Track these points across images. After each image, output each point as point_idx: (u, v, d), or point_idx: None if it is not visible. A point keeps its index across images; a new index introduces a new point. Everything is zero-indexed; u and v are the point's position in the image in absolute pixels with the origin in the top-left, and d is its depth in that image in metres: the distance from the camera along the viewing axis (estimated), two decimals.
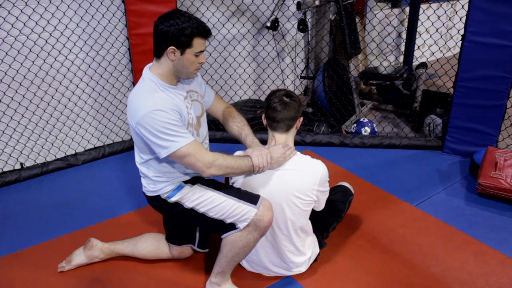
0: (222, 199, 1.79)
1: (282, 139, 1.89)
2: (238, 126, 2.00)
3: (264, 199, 1.79)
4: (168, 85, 1.75)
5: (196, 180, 1.87)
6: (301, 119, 1.94)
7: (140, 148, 1.81)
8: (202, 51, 1.72)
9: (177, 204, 1.85)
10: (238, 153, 1.90)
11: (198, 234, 2.05)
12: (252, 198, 1.78)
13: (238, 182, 1.92)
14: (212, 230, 1.96)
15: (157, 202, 1.90)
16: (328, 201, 2.01)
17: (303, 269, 2.00)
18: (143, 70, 1.80)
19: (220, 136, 3.38)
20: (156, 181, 1.84)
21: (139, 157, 1.85)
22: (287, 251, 1.93)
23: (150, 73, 1.75)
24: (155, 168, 1.82)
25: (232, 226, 1.78)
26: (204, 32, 1.69)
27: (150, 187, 1.87)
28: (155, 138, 1.65)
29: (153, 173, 1.83)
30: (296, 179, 1.84)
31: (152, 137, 1.66)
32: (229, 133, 2.04)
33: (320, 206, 1.97)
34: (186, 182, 1.86)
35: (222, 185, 1.89)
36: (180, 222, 2.01)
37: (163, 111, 1.64)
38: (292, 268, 1.98)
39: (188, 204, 1.83)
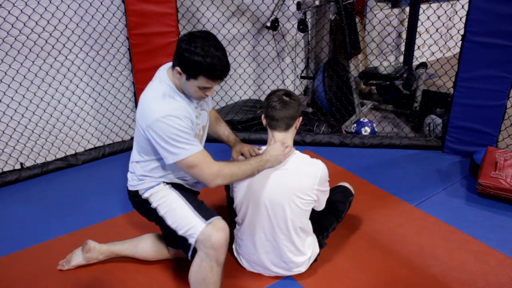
0: (179, 205, 1.76)
1: (281, 138, 1.89)
2: (220, 125, 2.11)
3: (219, 220, 1.71)
4: (181, 93, 1.73)
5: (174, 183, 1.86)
6: (301, 119, 1.94)
7: (142, 148, 1.80)
8: (208, 88, 1.67)
9: (148, 202, 1.84)
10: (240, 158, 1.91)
11: None
12: (207, 214, 1.72)
13: (239, 181, 1.92)
14: (174, 241, 1.87)
15: (134, 198, 1.90)
16: (328, 201, 2.02)
17: (303, 269, 2.01)
18: (160, 68, 1.79)
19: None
20: (140, 178, 1.85)
21: (139, 156, 1.84)
22: (287, 251, 1.93)
23: (167, 77, 1.72)
24: (151, 168, 1.82)
25: (187, 243, 1.72)
26: (214, 76, 1.62)
27: (133, 182, 1.88)
28: (165, 143, 1.64)
29: (144, 172, 1.83)
30: (296, 179, 1.84)
31: (162, 142, 1.64)
32: (209, 133, 2.06)
33: (321, 206, 1.98)
34: (165, 182, 1.86)
35: (190, 192, 1.85)
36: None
37: (177, 118, 1.63)
38: (292, 268, 1.98)
39: (154, 204, 1.82)
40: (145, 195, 1.84)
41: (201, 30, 1.65)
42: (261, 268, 2.01)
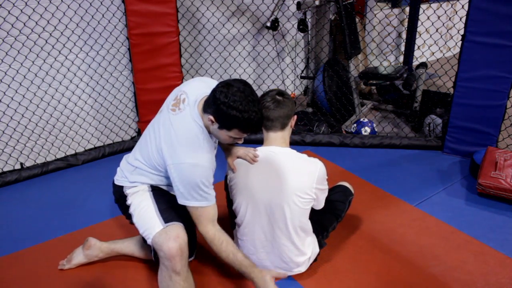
0: (146, 204, 1.77)
1: (278, 138, 1.90)
2: None
3: (174, 228, 1.69)
4: (208, 134, 1.73)
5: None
6: (295, 117, 1.94)
7: (151, 162, 1.78)
8: (240, 138, 1.69)
9: (125, 199, 1.86)
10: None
11: None
12: (168, 217, 1.73)
13: (238, 183, 1.92)
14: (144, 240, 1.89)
15: (116, 193, 1.91)
16: (328, 201, 2.02)
17: (302, 269, 2.00)
18: (189, 90, 1.75)
19: None
20: (130, 180, 1.85)
21: (141, 164, 1.82)
22: (287, 251, 1.93)
23: (199, 117, 1.69)
24: (146, 178, 1.82)
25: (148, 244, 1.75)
26: (248, 130, 1.64)
27: (121, 179, 1.88)
28: (182, 187, 1.67)
29: (137, 179, 1.83)
30: (294, 178, 1.84)
31: (180, 184, 1.67)
32: None
33: (320, 205, 1.98)
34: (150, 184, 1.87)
35: (168, 196, 1.84)
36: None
37: (204, 169, 1.67)
38: (293, 268, 1.98)
39: (128, 201, 1.84)
40: (126, 192, 1.86)
41: (237, 80, 1.62)
42: (261, 268, 2.01)
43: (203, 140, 1.69)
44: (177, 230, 1.68)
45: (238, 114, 1.56)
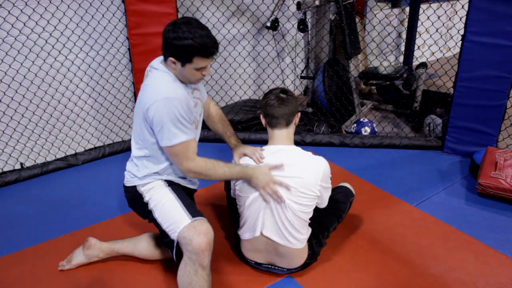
0: (169, 199, 1.78)
1: (283, 135, 1.91)
2: (224, 125, 2.11)
3: (202, 222, 1.69)
4: (179, 81, 1.77)
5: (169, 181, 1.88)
6: (299, 114, 1.96)
7: (141, 140, 1.81)
8: (204, 67, 1.72)
9: (141, 197, 1.86)
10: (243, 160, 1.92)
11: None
12: (194, 212, 1.74)
13: (243, 181, 1.92)
14: (161, 236, 1.90)
15: (130, 193, 1.91)
16: (330, 201, 2.02)
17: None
18: (153, 62, 1.83)
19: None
20: (139, 176, 1.86)
21: (139, 151, 1.84)
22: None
23: (164, 67, 1.76)
24: (150, 163, 1.83)
25: (169, 239, 1.75)
26: (206, 53, 1.68)
27: (131, 179, 1.88)
28: (162, 125, 1.68)
29: (142, 169, 1.84)
30: (299, 175, 1.85)
31: (159, 123, 1.68)
32: (212, 130, 2.15)
33: (323, 203, 1.98)
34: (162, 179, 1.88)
35: (185, 191, 1.86)
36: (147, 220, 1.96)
37: (180, 102, 1.68)
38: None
39: (146, 198, 1.84)
40: (140, 190, 1.86)
41: (182, 17, 1.71)
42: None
43: (174, 82, 1.73)
44: (206, 225, 1.69)
45: (191, 42, 1.62)
